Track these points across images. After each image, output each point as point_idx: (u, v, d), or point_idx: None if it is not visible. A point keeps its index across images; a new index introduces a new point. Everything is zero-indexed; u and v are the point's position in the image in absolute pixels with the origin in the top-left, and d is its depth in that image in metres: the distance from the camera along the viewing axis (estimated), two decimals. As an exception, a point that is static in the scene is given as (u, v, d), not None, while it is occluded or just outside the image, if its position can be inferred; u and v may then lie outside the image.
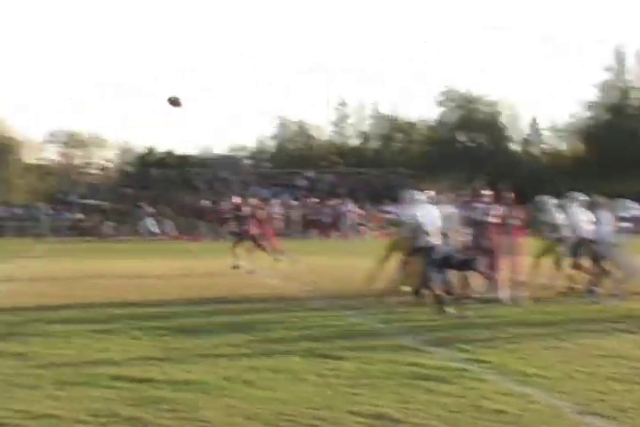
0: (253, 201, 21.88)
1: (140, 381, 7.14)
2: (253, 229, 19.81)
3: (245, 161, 57.30)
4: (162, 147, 65.51)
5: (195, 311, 11.89)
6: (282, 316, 11.46)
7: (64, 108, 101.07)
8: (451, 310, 11.50)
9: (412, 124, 64.43)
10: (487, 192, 13.74)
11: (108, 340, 9.29)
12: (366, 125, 66.66)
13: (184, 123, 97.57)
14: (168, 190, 45.11)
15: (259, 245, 19.66)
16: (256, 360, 8.07)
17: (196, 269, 19.73)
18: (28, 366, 7.82)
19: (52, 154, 67.79)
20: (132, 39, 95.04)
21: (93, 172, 66.93)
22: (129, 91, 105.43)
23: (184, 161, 57.65)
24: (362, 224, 40.60)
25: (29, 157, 61.46)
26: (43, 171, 62.72)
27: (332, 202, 41.66)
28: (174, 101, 16.01)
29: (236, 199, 22.21)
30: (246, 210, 20.41)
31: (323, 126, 66.25)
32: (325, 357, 8.24)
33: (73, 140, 67.63)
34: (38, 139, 63.59)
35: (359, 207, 41.62)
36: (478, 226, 13.17)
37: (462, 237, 13.15)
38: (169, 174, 49.09)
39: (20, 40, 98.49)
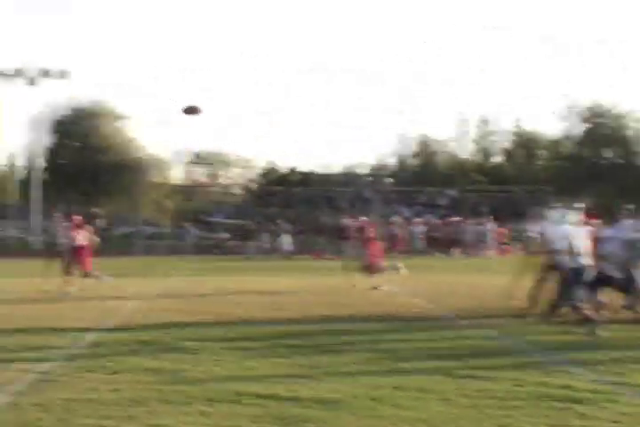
0: (364, 219, 21.81)
1: (283, 399, 7.14)
2: (360, 248, 19.87)
3: (368, 178, 57.33)
4: (285, 164, 66.23)
5: (328, 329, 11.82)
6: (418, 334, 11.35)
7: (198, 127, 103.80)
8: (584, 329, 11.17)
9: (535, 140, 63.27)
10: (630, 208, 13.36)
11: (249, 357, 9.32)
12: (489, 141, 65.83)
13: (307, 140, 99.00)
14: (295, 208, 45.60)
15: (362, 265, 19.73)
16: (400, 379, 7.93)
17: (319, 286, 19.76)
18: (164, 381, 7.93)
19: (189, 174, 69.85)
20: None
21: (227, 191, 68.36)
22: (264, 110, 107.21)
23: (307, 178, 58.06)
24: (504, 243, 39.57)
25: (173, 178, 63.44)
26: (180, 190, 64.51)
27: (465, 220, 41.04)
28: (191, 110, 15.83)
29: (347, 218, 22.04)
30: (353, 228, 20.37)
31: (446, 142, 65.70)
32: (457, 376, 8.09)
33: (207, 160, 69.28)
34: (170, 158, 65.45)
35: (479, 224, 40.85)
36: (627, 243, 12.73)
37: (594, 254, 12.75)
38: (292, 192, 49.59)
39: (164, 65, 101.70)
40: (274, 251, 39.43)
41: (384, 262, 19.97)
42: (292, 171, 65.01)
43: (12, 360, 9.11)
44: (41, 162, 51.03)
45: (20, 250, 38.70)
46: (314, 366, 8.69)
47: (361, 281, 18.97)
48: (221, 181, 69.59)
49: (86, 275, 18.76)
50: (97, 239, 20.12)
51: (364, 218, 22.12)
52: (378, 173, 64.69)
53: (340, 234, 33.80)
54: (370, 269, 19.40)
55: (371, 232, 20.17)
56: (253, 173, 69.46)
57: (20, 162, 62.41)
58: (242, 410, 6.73)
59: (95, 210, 50.04)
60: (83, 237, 19.07)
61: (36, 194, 48.44)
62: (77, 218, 19.98)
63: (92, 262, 19.00)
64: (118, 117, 53.34)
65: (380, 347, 10.02)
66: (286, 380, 7.91)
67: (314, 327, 12.03)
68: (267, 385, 7.65)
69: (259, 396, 7.21)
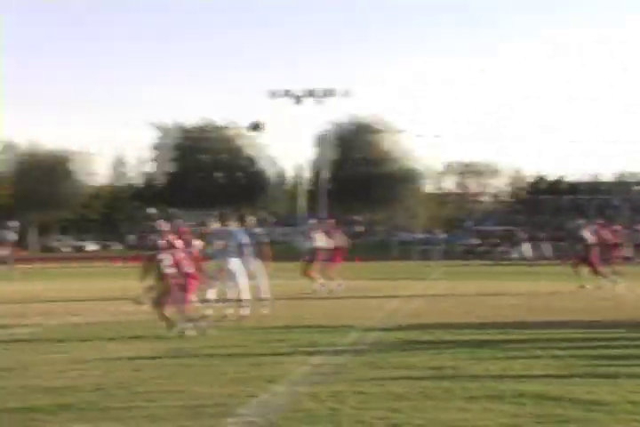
0: (580, 222, 21.06)
1: (545, 398, 6.87)
2: (589, 253, 19.24)
3: (636, 187, 55.32)
4: (552, 174, 64.48)
5: (577, 332, 11.46)
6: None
7: (460, 138, 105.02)
8: None
9: None
10: None
11: (510, 357, 9.14)
12: None
13: (574, 150, 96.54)
14: (557, 216, 44.81)
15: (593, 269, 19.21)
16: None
17: (563, 291, 19.22)
18: (426, 378, 7.87)
19: (449, 183, 70.47)
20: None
21: (487, 199, 68.24)
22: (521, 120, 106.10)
23: (574, 188, 56.68)
24: None
25: (429, 187, 64.16)
26: (441, 199, 65.03)
27: None
28: (255, 126, 15.96)
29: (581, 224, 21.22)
30: (586, 235, 19.77)
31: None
32: None
33: (468, 170, 69.40)
34: (438, 169, 66.24)
35: None
36: None
37: None
38: (558, 201, 48.80)
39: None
40: (517, 257, 39.16)
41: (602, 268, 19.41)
42: (541, 179, 63.74)
43: (288, 354, 9.49)
44: (326, 173, 53.32)
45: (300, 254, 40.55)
46: (569, 368, 8.38)
47: (611, 284, 18.50)
48: (480, 189, 69.55)
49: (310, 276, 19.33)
50: (330, 242, 20.57)
51: (581, 221, 21.49)
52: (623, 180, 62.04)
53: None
54: (596, 271, 19.04)
55: (591, 237, 19.62)
56: (522, 183, 68.76)
57: (307, 174, 65.15)
58: (500, 407, 6.58)
59: (354, 217, 51.47)
60: (322, 240, 19.66)
61: (321, 203, 50.73)
62: (313, 222, 20.85)
63: (318, 265, 19.45)
64: (395, 131, 54.74)
65: (633, 351, 9.54)
66: (543, 380, 7.66)
67: (566, 331, 11.62)
68: (523, 384, 7.42)
69: (516, 394, 7.01)
